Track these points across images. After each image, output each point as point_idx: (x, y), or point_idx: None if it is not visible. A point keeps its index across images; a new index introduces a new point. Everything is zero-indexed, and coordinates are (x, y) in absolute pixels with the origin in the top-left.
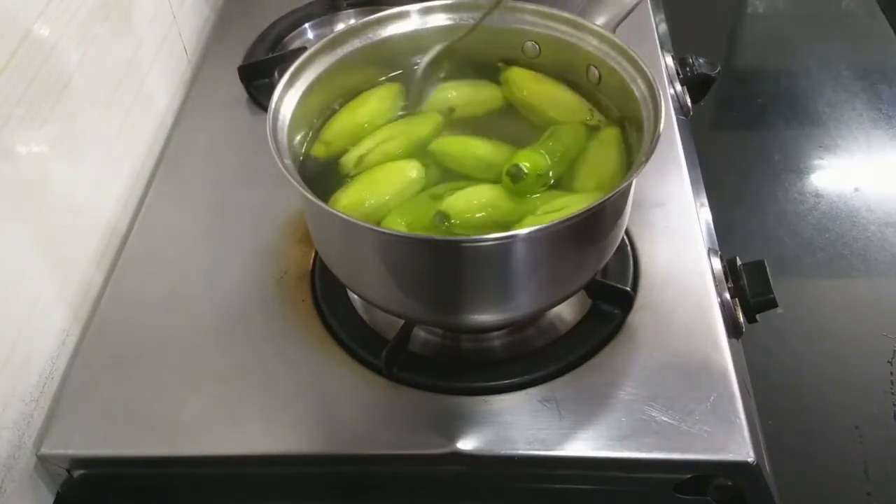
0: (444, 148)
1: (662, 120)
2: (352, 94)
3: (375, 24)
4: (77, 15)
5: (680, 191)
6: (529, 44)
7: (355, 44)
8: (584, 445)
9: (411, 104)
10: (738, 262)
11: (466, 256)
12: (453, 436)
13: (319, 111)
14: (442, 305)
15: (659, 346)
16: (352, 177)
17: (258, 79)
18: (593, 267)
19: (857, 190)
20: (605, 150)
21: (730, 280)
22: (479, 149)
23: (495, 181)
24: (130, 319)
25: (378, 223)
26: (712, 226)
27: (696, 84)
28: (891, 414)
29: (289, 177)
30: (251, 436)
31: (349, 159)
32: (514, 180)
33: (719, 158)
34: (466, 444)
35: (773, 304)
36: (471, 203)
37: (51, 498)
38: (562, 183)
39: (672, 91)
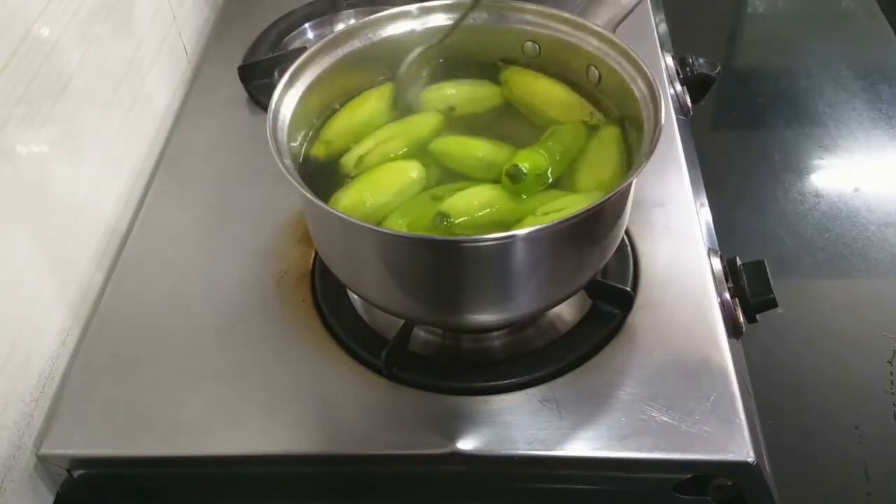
0: (444, 148)
1: (662, 120)
2: (352, 94)
3: (375, 24)
4: (77, 15)
5: (680, 191)
6: (529, 44)
7: (355, 44)
8: (584, 445)
9: (399, 108)
10: (738, 262)
11: (466, 256)
12: (453, 436)
13: (319, 111)
14: (442, 305)
15: (659, 346)
16: (352, 177)
17: (258, 79)
18: (593, 267)
19: (857, 190)
20: (605, 149)
21: (730, 280)
22: (478, 149)
23: (495, 181)
24: (130, 319)
25: (379, 223)
26: (712, 226)
27: (696, 84)
28: (891, 414)
29: (289, 177)
30: (251, 436)
31: (349, 159)
32: (514, 180)
33: (719, 158)
34: (466, 444)
35: (773, 304)
36: (471, 203)
37: (51, 498)
38: (562, 183)
39: (672, 91)
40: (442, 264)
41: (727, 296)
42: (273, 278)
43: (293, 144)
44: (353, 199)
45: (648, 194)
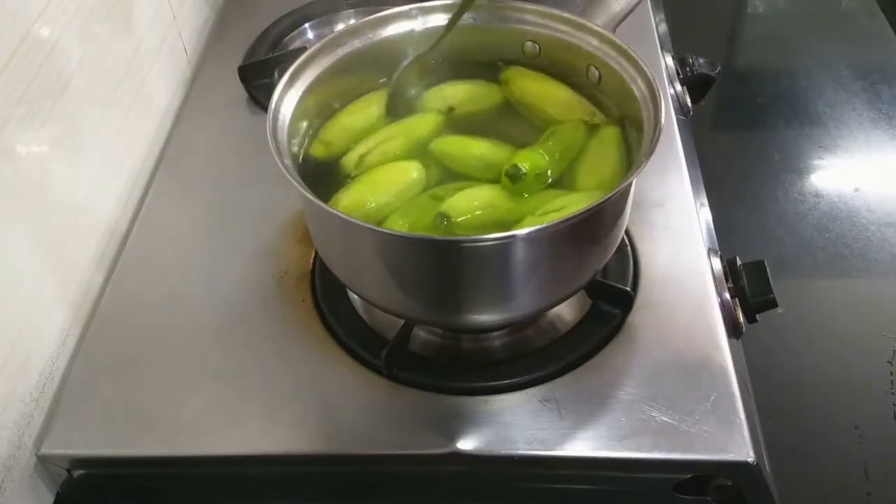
0: (444, 148)
1: (662, 120)
2: (352, 94)
3: (375, 24)
4: (77, 15)
5: (680, 191)
6: (529, 44)
7: (355, 44)
8: (584, 445)
9: (394, 115)
10: (738, 262)
11: (466, 256)
12: (453, 436)
13: (319, 111)
14: (442, 305)
15: (659, 346)
16: (352, 177)
17: (258, 79)
18: (593, 267)
19: (857, 190)
20: (606, 149)
21: (730, 280)
22: (478, 149)
23: (495, 181)
24: (130, 319)
25: (379, 224)
26: (712, 226)
27: (696, 84)
28: (891, 414)
29: (289, 177)
30: (251, 436)
31: (349, 159)
32: (514, 180)
33: (719, 158)
34: (466, 444)
35: (773, 304)
36: (471, 203)
37: (51, 498)
38: (562, 182)
39: (672, 91)
40: (442, 264)
41: (727, 296)
42: (273, 278)
43: (293, 144)
44: (354, 200)
45: (648, 194)
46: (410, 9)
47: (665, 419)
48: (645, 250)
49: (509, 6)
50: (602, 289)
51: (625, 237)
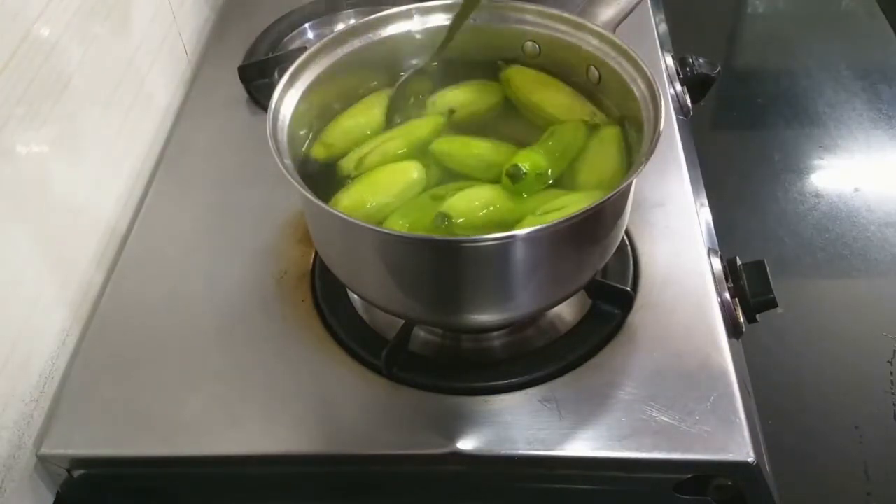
0: (444, 148)
1: (662, 120)
2: (352, 94)
3: (375, 24)
4: (77, 15)
5: (680, 191)
6: (529, 44)
7: (355, 44)
8: (584, 445)
9: (393, 121)
10: (738, 262)
11: (466, 256)
12: (453, 436)
13: (319, 111)
14: (442, 305)
15: (659, 346)
16: (353, 177)
17: (258, 79)
18: (593, 267)
19: (857, 190)
20: (606, 148)
21: (730, 280)
22: (479, 148)
23: (495, 181)
24: (130, 319)
25: (379, 224)
26: (712, 226)
27: (696, 84)
28: (891, 414)
29: (289, 177)
30: (251, 436)
31: (350, 160)
32: (514, 180)
33: (719, 158)
34: (466, 444)
35: (773, 304)
36: (472, 203)
37: (51, 498)
38: (562, 182)
39: (672, 91)
40: (442, 264)
41: (727, 296)
42: (273, 278)
43: (293, 145)
44: (354, 200)
45: (648, 194)
46: (410, 9)
47: (665, 419)
48: (645, 250)
49: (509, 6)
50: (602, 289)
51: (625, 237)
